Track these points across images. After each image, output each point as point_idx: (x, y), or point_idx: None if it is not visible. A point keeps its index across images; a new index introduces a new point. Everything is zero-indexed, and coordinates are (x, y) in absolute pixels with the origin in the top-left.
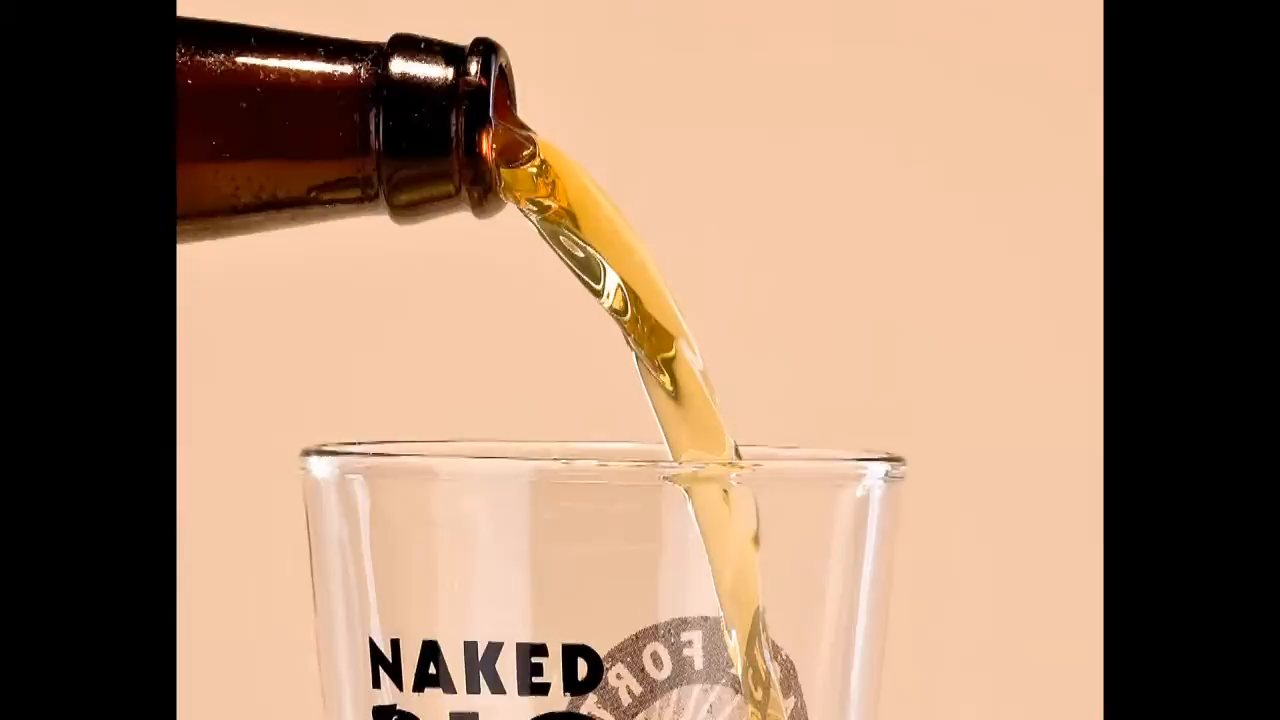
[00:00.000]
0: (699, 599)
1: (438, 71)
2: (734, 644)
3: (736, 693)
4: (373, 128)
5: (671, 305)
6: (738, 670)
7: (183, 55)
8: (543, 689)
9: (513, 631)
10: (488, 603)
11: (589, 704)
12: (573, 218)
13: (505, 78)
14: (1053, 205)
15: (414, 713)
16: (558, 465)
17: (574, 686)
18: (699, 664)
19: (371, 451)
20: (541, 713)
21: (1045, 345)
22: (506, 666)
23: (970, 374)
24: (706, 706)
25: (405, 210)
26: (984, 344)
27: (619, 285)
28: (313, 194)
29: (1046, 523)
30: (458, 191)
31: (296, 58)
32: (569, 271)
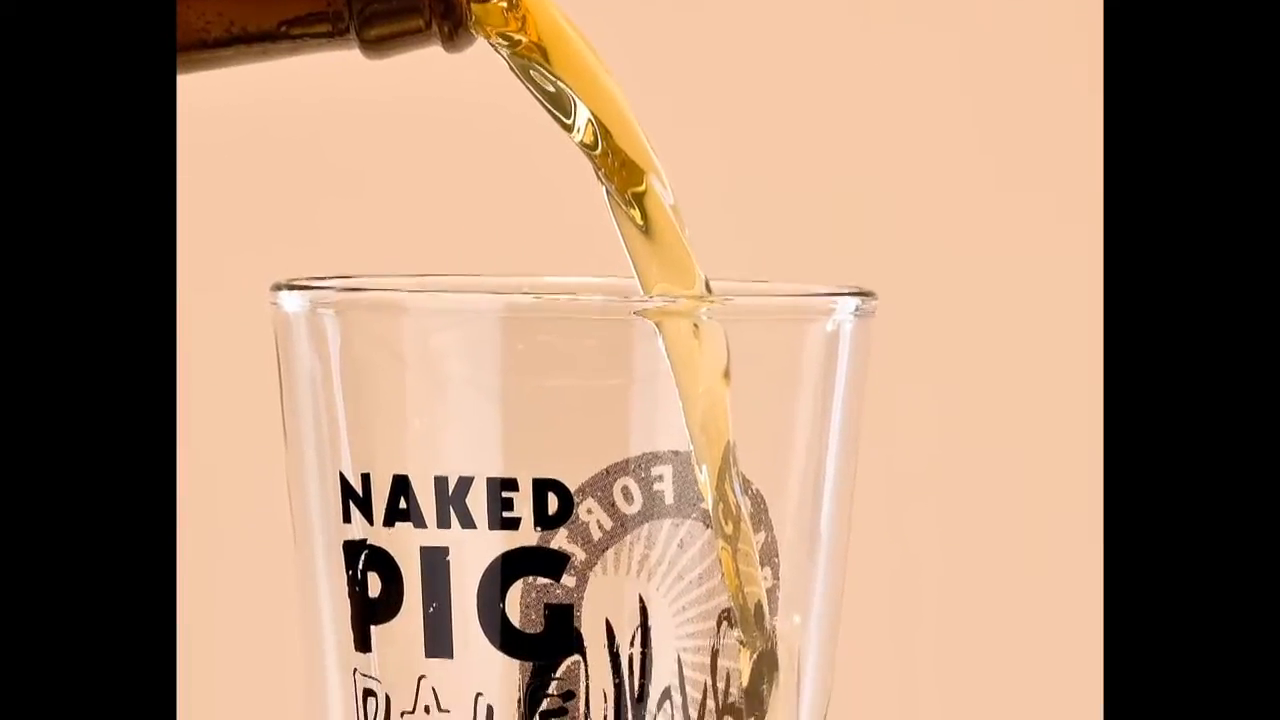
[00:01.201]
0: (669, 433)
1: None
2: (704, 478)
3: (707, 527)
4: None
5: (642, 139)
6: (708, 505)
7: None
8: (513, 523)
9: (483, 466)
10: (458, 437)
11: (559, 538)
12: (543, 52)
13: None
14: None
15: (384, 547)
16: (528, 300)
17: (544, 521)
18: (669, 499)
19: (342, 286)
20: (512, 547)
21: (1026, 173)
22: (477, 501)
23: (944, 209)
24: (677, 541)
25: (375, 45)
26: (957, 179)
27: (589, 120)
28: (283, 28)
29: (1019, 355)
30: (428, 26)
31: None
32: (540, 106)
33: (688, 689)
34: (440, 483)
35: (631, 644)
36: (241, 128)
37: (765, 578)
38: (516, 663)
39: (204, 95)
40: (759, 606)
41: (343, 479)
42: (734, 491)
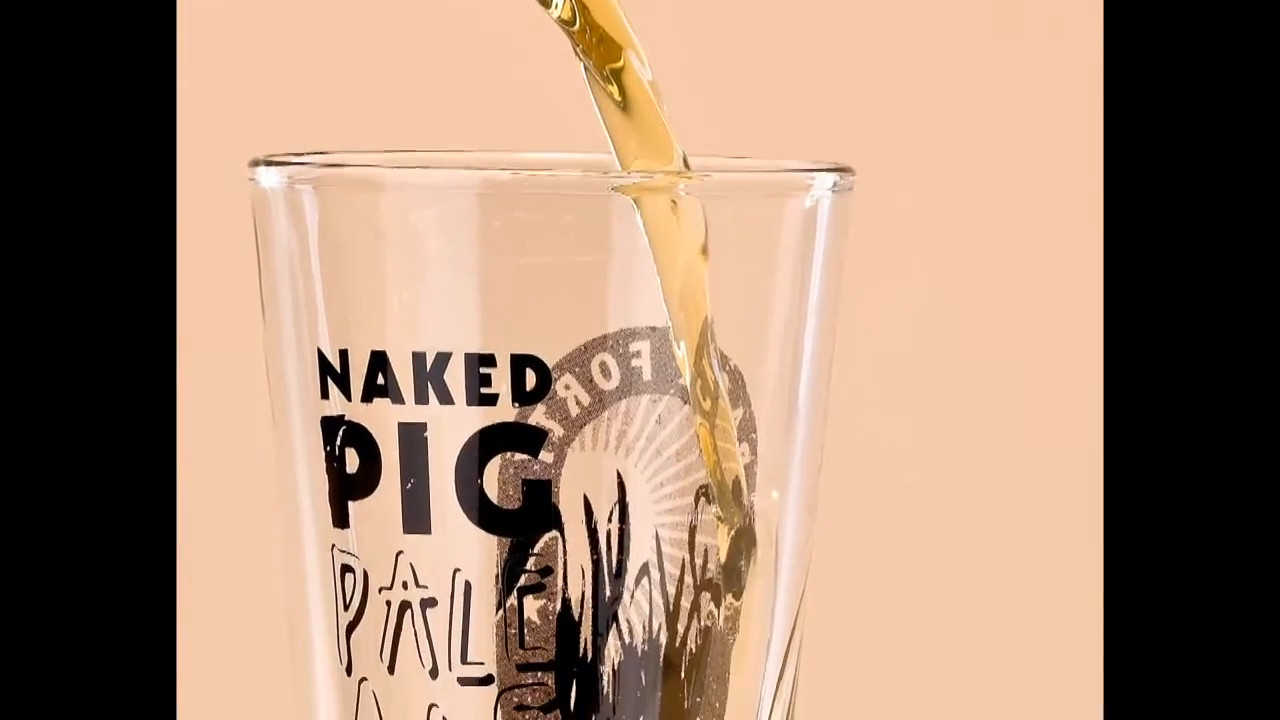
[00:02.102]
0: (647, 309)
1: None
2: (682, 354)
3: (685, 403)
4: None
5: (620, 15)
6: (686, 381)
7: None
8: (491, 399)
9: (461, 342)
10: (436, 313)
11: (537, 414)
12: None
13: None
14: None
15: (362, 423)
16: (506, 175)
17: (522, 397)
18: (647, 374)
19: (320, 162)
20: (490, 423)
21: (1010, 47)
22: (455, 377)
23: (924, 85)
24: (655, 417)
25: None
26: (938, 54)
27: None
28: None
29: (999, 231)
30: None
31: None
32: None
33: (665, 565)
34: (418, 359)
35: (609, 520)
36: (221, 5)
37: (743, 454)
38: (494, 539)
39: None
40: (737, 482)
41: (321, 355)
42: (712, 367)
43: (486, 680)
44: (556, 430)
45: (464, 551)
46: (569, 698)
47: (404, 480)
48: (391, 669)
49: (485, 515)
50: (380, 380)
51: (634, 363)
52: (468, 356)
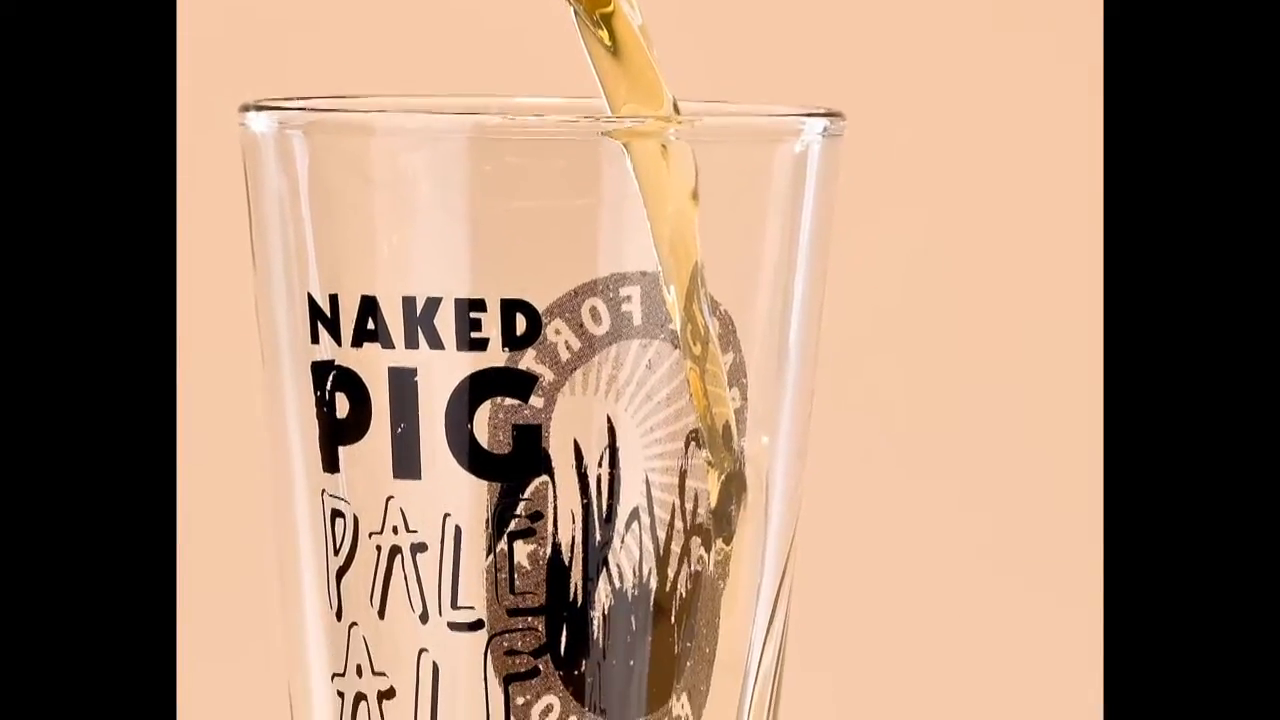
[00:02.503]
0: (638, 254)
1: None
2: (672, 299)
3: (675, 348)
4: None
5: None
6: (676, 325)
7: None
8: (481, 344)
9: (451, 286)
10: (426, 258)
11: (527, 359)
12: None
13: None
14: None
15: (352, 368)
16: (496, 120)
17: (512, 342)
18: (637, 319)
19: (310, 107)
20: (480, 368)
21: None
22: (445, 321)
23: (916, 31)
24: (645, 361)
25: None
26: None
27: None
28: None
29: (990, 177)
30: None
31: None
32: None
33: (656, 510)
34: (408, 303)
35: (599, 465)
36: None
37: (733, 398)
38: (485, 484)
39: None
40: (727, 427)
41: (311, 300)
42: (702, 312)
43: (476, 625)
44: (547, 375)
45: (454, 496)
46: (559, 642)
47: (394, 425)
48: (381, 614)
49: (475, 460)
50: (370, 325)
51: (624, 307)
52: (458, 301)
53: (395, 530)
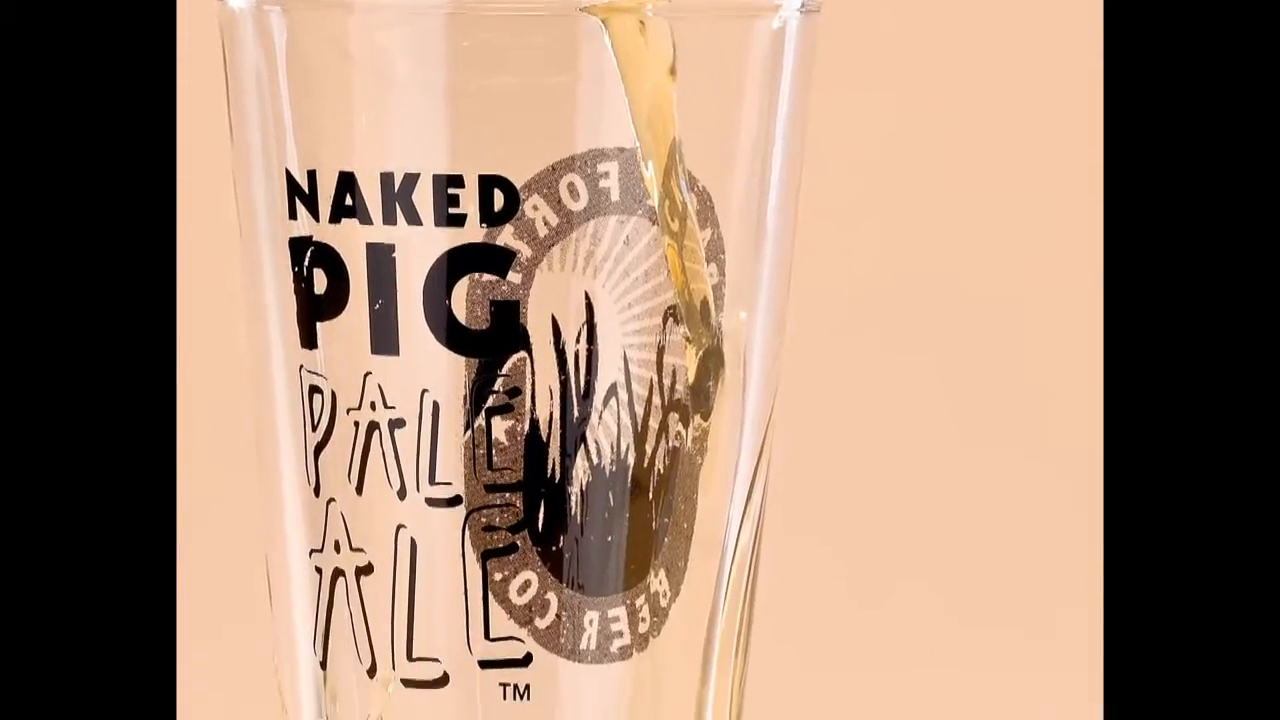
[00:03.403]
0: (616, 130)
1: None
2: (650, 175)
3: (653, 224)
4: None
5: None
6: (654, 201)
7: None
8: (459, 220)
9: (429, 162)
10: (404, 134)
11: (505, 235)
12: None
13: None
14: None
15: (330, 244)
16: None
17: (490, 218)
18: (615, 195)
19: None
20: (458, 244)
21: None
22: (423, 197)
23: None
24: (623, 237)
25: None
26: None
27: None
28: None
29: (970, 54)
30: None
31: None
32: None
33: (634, 385)
34: (386, 179)
35: (577, 340)
36: None
37: (711, 274)
38: (462, 359)
39: None
40: (705, 303)
41: (288, 175)
42: (680, 188)
43: (454, 501)
44: (524, 251)
45: (432, 372)
46: (536, 518)
47: (372, 301)
48: (360, 489)
49: (453, 336)
50: (348, 201)
51: (602, 183)
52: (435, 177)
53: (373, 406)
